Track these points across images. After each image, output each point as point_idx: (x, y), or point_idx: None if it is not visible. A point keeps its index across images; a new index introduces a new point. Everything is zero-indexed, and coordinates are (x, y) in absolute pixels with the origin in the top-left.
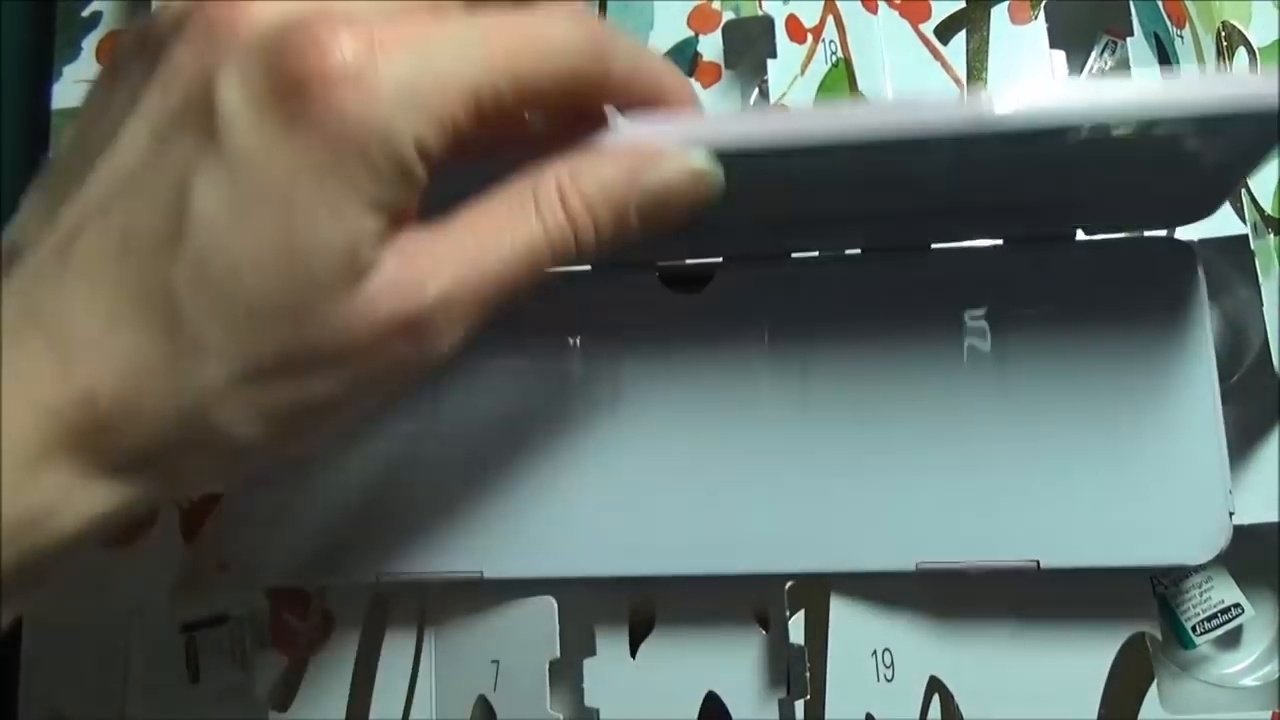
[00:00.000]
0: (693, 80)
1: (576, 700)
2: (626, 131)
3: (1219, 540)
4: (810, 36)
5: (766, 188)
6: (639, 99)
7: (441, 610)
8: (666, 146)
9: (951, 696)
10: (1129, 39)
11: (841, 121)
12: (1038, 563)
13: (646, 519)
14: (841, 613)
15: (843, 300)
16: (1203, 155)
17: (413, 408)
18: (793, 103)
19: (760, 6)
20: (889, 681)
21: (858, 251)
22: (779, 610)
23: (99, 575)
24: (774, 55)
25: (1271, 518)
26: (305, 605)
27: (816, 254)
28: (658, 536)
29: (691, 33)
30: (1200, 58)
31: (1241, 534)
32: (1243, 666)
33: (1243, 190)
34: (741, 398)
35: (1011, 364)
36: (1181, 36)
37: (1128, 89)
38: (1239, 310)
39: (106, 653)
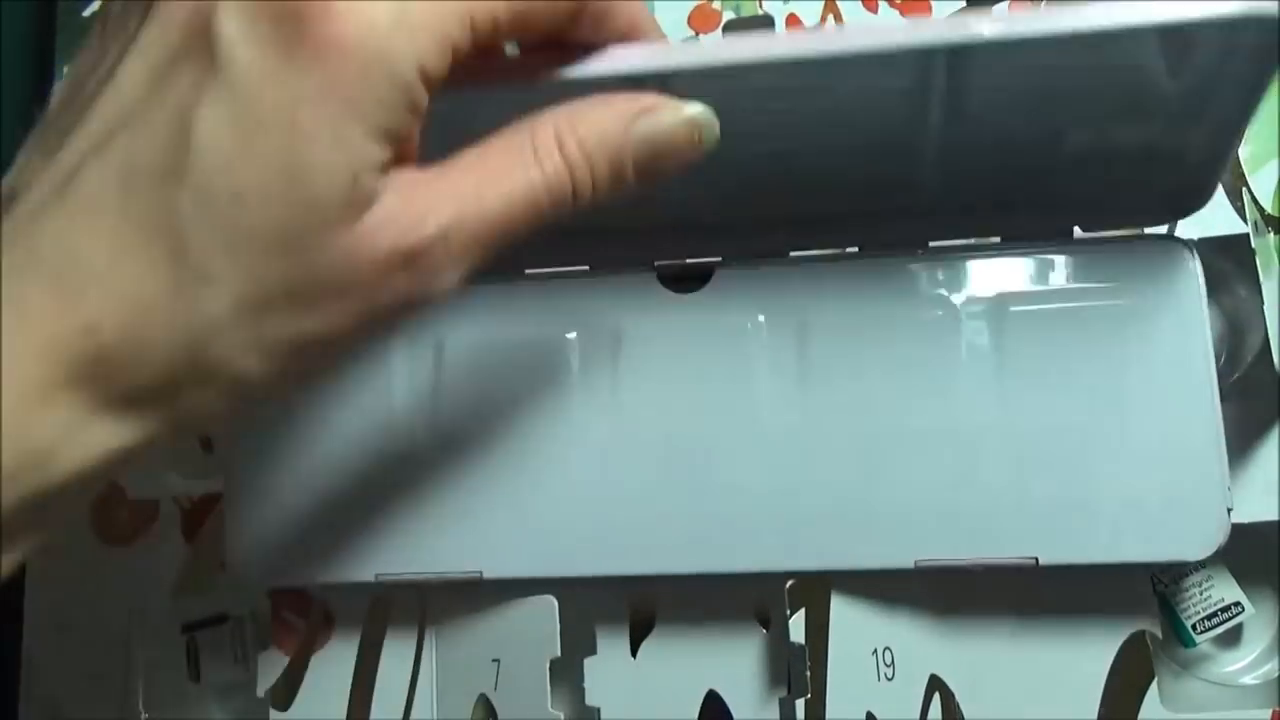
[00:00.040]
0: None
1: (577, 699)
2: (608, 59)
3: (1217, 537)
4: None
5: (760, 152)
6: (613, 32)
7: (442, 610)
8: (664, 98)
9: (952, 695)
10: None
11: (816, 41)
12: (1036, 559)
13: (646, 518)
14: (842, 612)
15: (842, 299)
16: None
17: (413, 407)
18: None
19: (760, 6)
20: (889, 680)
21: (857, 251)
22: (779, 609)
23: (99, 575)
24: None
25: (1271, 516)
26: (305, 605)
27: (816, 253)
28: (658, 536)
29: (692, 32)
30: None
31: (1242, 532)
32: (1243, 665)
33: (1243, 189)
34: (740, 396)
35: (1010, 362)
36: None
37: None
38: (1239, 309)
39: (106, 653)
